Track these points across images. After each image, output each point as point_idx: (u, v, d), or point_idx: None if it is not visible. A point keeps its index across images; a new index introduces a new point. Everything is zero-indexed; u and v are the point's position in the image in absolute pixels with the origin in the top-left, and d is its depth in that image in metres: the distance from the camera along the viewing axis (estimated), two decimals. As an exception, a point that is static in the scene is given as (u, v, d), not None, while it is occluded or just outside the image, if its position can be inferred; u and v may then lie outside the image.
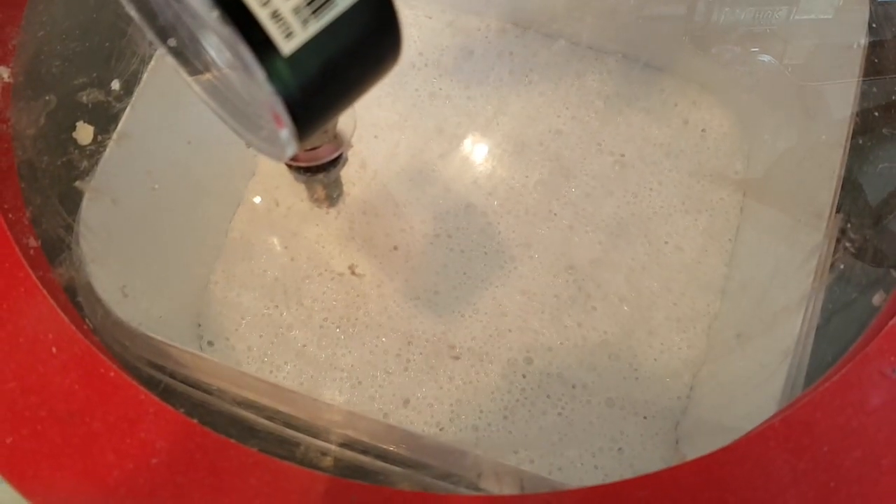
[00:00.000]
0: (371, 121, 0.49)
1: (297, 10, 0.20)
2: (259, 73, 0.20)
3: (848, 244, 0.35)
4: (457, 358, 0.44)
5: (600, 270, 0.46)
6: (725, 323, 0.45)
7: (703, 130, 0.49)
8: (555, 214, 0.47)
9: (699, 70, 0.50)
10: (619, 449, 0.43)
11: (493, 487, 0.32)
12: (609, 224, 0.47)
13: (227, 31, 0.19)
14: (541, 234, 0.47)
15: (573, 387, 0.44)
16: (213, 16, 0.19)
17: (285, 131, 0.22)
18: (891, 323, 0.29)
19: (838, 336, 0.33)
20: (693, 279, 0.46)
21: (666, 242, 0.47)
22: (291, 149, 0.24)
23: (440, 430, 0.43)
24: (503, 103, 0.50)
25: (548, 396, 0.44)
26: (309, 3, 0.20)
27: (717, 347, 0.45)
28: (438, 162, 0.48)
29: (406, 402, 0.44)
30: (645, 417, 0.44)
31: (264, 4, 0.19)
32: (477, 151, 0.49)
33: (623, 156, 0.49)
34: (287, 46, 0.20)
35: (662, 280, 0.46)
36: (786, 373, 0.35)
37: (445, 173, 0.48)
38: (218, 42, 0.21)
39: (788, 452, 0.27)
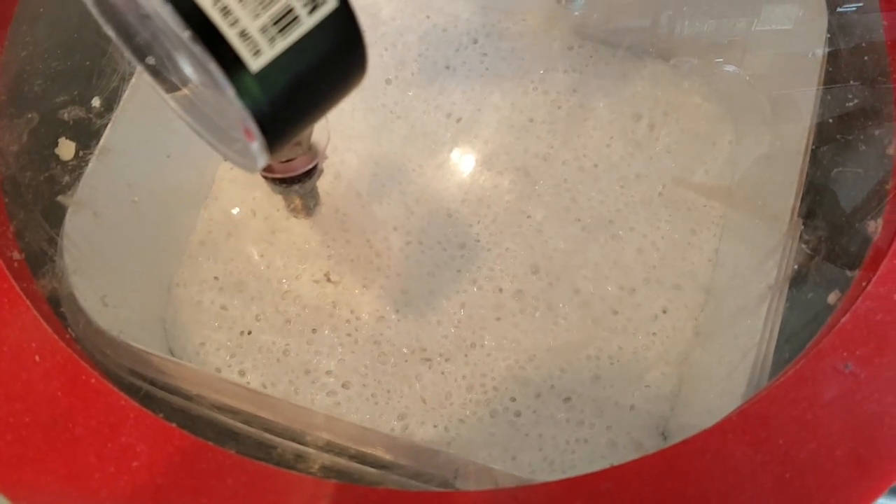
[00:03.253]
0: (345, 133, 0.50)
1: (264, 29, 0.21)
2: (229, 90, 0.21)
3: (804, 245, 0.37)
4: (429, 360, 0.45)
5: (576, 271, 0.47)
6: (704, 320, 0.46)
7: (676, 133, 0.50)
8: (528, 217, 0.48)
9: (668, 77, 0.51)
10: (608, 448, 0.44)
11: (468, 486, 0.33)
12: (584, 224, 0.48)
13: (198, 50, 0.21)
14: (515, 237, 0.48)
15: (551, 387, 0.45)
16: (185, 35, 0.20)
17: (256, 144, 0.23)
18: (843, 320, 0.30)
19: (795, 333, 0.35)
20: (672, 278, 0.47)
21: (640, 245, 0.48)
22: (263, 161, 0.25)
23: (416, 432, 0.44)
24: (475, 111, 0.51)
25: (527, 397, 0.45)
26: (276, 23, 0.21)
27: (701, 344, 0.46)
28: (412, 171, 0.49)
29: (382, 405, 0.44)
30: (630, 412, 0.44)
31: (233, 24, 0.21)
32: (450, 159, 0.50)
33: (596, 156, 0.50)
34: (255, 64, 0.21)
35: (641, 279, 0.47)
36: (750, 368, 0.36)
37: (419, 181, 0.49)
38: (190, 59, 0.22)
39: (746, 445, 0.29)
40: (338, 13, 0.22)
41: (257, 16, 0.21)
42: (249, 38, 0.21)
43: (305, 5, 0.22)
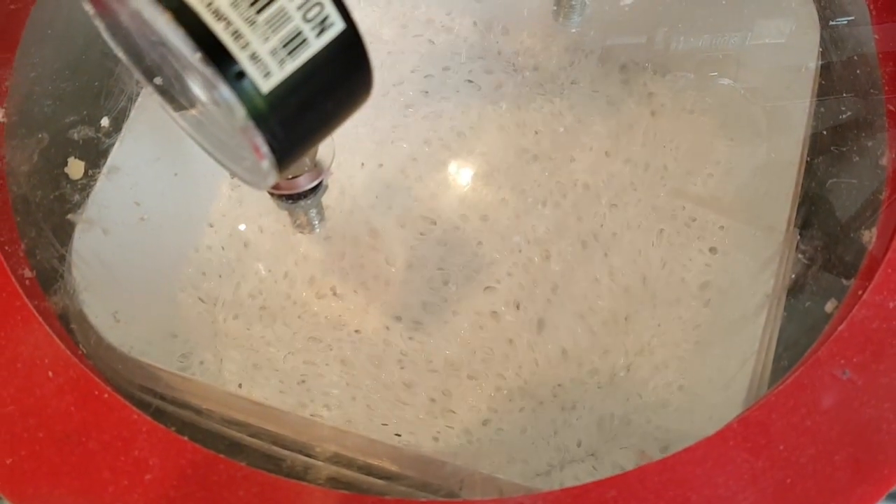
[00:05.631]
0: (349, 149, 0.51)
1: (274, 52, 0.22)
2: (240, 111, 0.22)
3: (801, 255, 0.37)
4: (434, 371, 0.45)
5: (576, 284, 0.48)
6: (703, 330, 0.46)
7: (673, 146, 0.51)
8: (530, 233, 0.49)
9: (664, 91, 0.52)
10: (610, 465, 0.44)
11: (474, 496, 0.34)
12: (584, 238, 0.48)
13: (210, 72, 0.21)
14: (517, 253, 0.48)
15: (552, 401, 0.45)
16: (196, 57, 0.21)
17: (266, 162, 0.24)
18: (840, 328, 0.31)
19: (794, 342, 0.35)
20: (671, 289, 0.47)
21: (637, 258, 0.48)
22: (272, 178, 0.25)
23: (421, 444, 0.44)
24: (476, 128, 0.52)
25: (527, 412, 0.45)
26: (285, 45, 0.22)
27: (700, 354, 0.46)
28: (414, 186, 0.50)
29: (387, 418, 0.45)
30: (632, 425, 0.45)
31: (244, 47, 0.21)
32: (452, 175, 0.51)
33: (595, 171, 0.50)
34: (266, 85, 0.22)
35: (640, 292, 0.47)
36: (749, 376, 0.37)
37: (421, 197, 0.50)
38: (201, 80, 0.23)
39: (747, 451, 0.29)
40: (344, 35, 0.23)
41: (267, 39, 0.22)
42: (260, 60, 0.22)
43: (313, 28, 0.22)
